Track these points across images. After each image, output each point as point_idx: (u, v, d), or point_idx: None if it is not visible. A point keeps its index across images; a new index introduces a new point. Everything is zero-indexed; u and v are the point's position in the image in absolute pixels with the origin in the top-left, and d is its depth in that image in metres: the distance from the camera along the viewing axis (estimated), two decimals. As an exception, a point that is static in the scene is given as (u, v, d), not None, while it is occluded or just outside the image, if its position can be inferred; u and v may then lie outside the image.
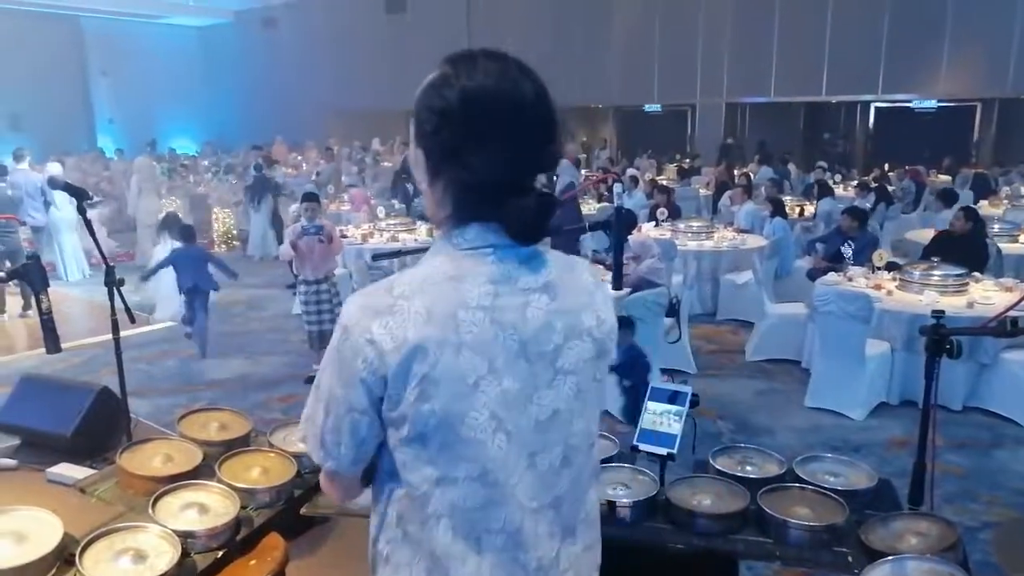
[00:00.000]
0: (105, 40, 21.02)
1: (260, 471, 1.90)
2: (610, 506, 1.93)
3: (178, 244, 6.90)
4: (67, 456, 4.49)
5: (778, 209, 8.67)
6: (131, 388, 4.85)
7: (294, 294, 8.40)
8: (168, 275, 6.79)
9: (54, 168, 9.75)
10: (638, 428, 2.20)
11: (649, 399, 2.22)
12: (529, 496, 1.16)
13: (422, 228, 8.72)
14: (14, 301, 8.03)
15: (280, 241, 9.60)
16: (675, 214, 9.11)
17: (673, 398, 2.23)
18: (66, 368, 6.14)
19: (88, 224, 2.95)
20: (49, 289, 7.88)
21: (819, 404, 5.23)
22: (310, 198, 5.96)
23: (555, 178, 11.16)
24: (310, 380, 6.26)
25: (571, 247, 8.44)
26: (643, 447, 2.16)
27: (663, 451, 2.13)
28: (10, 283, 7.31)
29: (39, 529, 1.58)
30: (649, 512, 1.96)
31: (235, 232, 12.08)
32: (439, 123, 1.12)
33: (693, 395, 2.19)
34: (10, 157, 9.22)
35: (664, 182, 12.25)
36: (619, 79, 17.72)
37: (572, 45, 17.59)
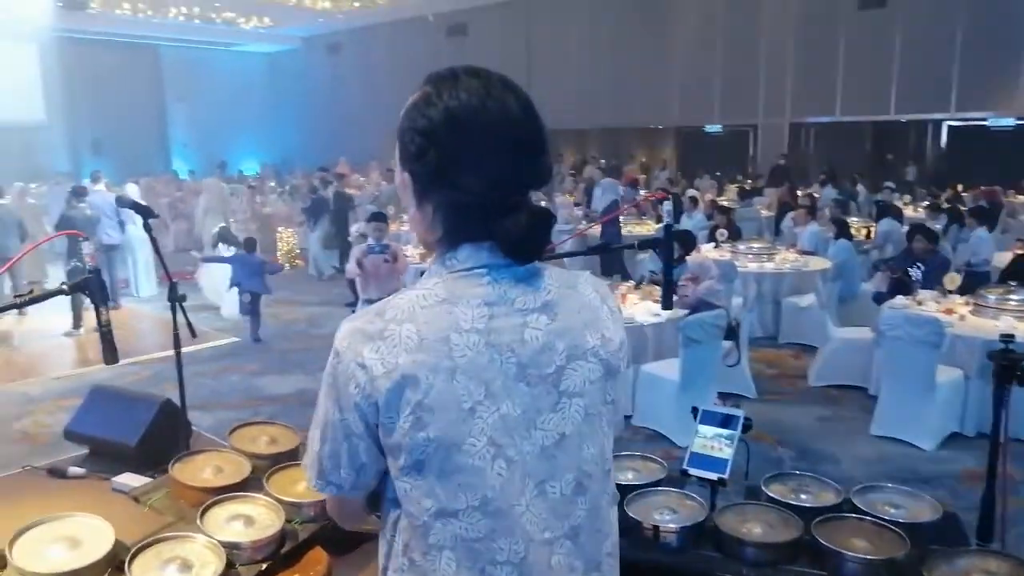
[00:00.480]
0: (182, 67, 21.99)
1: (307, 485, 1.91)
2: (655, 531, 1.88)
3: (240, 251, 7.44)
4: (131, 466, 4.65)
5: (842, 230, 8.41)
6: (195, 402, 5.00)
7: (353, 312, 8.59)
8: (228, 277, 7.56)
9: (131, 189, 10.21)
10: (688, 451, 2.15)
11: (700, 422, 2.17)
12: (540, 527, 1.11)
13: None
14: (89, 316, 8.40)
15: (343, 259, 9.83)
16: (735, 235, 8.96)
17: (725, 422, 2.17)
18: (135, 381, 6.37)
19: (153, 241, 3.07)
20: (123, 305, 8.20)
21: (886, 432, 5.02)
22: (377, 218, 6.05)
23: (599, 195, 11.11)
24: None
25: (616, 265, 8.40)
26: (693, 471, 2.10)
27: (713, 476, 2.07)
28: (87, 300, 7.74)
29: (92, 536, 1.63)
30: (696, 539, 1.90)
31: (298, 251, 12.41)
32: (423, 144, 1.10)
33: (746, 419, 2.13)
34: (88, 179, 9.73)
35: (724, 203, 12.07)
36: (679, 99, 17.60)
37: (632, 66, 17.58)
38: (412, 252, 8.51)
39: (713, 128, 18.67)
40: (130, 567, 1.54)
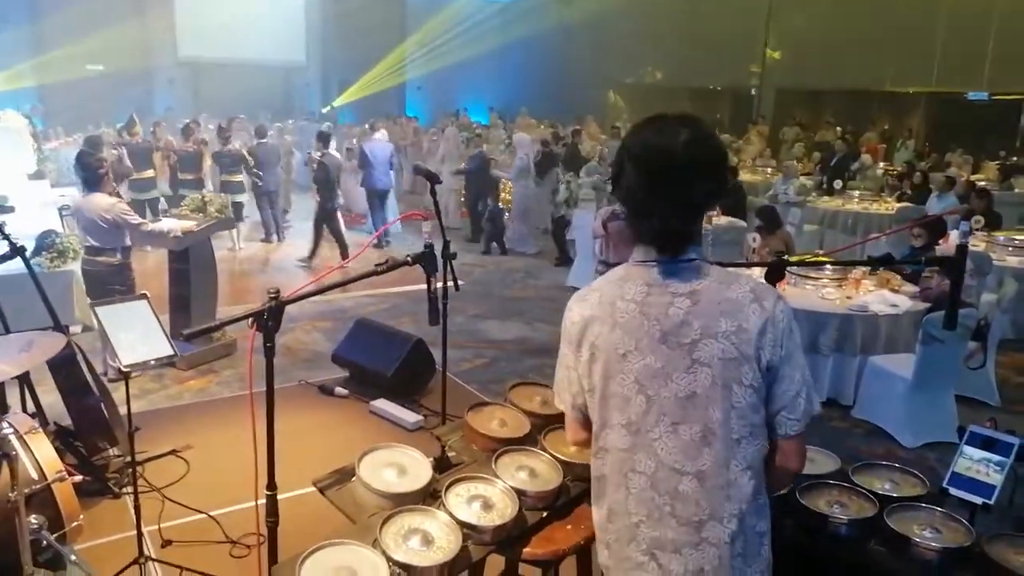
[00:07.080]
0: (423, 13, 23.21)
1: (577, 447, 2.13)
2: (915, 546, 1.90)
3: None
4: (384, 392, 5.25)
5: None
6: (426, 338, 5.43)
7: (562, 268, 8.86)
8: None
9: (381, 135, 11.06)
10: (950, 471, 2.12)
11: (966, 443, 2.12)
12: (671, 456, 1.50)
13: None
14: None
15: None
16: (994, 223, 8.09)
17: (994, 446, 2.11)
18: (374, 312, 7.11)
19: (436, 203, 3.43)
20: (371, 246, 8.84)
21: None
22: None
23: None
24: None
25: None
26: (954, 492, 2.08)
27: (977, 500, 2.04)
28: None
29: (414, 465, 1.96)
30: (960, 563, 1.88)
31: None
32: (618, 172, 1.56)
33: (1021, 445, 2.06)
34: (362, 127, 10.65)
35: (982, 183, 10.85)
36: (940, 61, 15.79)
37: (888, 22, 15.97)
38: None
39: (977, 96, 16.60)
40: (446, 496, 1.85)
